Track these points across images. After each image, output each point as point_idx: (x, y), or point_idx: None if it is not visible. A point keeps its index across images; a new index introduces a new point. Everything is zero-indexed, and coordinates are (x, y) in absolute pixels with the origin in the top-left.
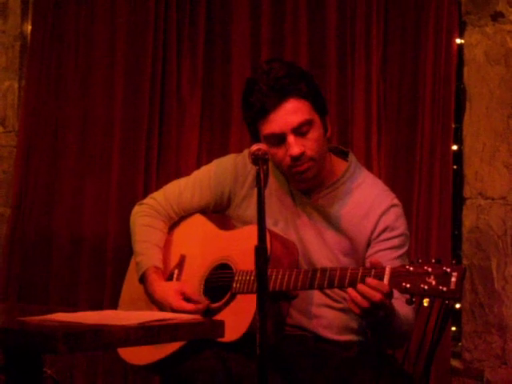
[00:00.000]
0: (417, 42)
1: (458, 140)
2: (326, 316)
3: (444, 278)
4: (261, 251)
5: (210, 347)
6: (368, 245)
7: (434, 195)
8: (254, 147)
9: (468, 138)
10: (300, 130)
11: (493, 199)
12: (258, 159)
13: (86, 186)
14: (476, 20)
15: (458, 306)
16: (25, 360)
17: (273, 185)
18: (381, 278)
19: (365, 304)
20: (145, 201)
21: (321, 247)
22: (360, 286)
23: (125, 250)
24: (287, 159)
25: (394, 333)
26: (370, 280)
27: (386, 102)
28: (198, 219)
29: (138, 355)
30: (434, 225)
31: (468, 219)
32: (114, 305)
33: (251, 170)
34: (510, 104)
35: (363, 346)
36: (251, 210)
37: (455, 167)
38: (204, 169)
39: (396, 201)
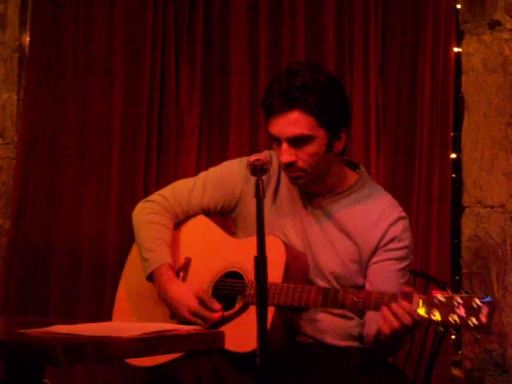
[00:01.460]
0: (415, 51)
1: (457, 148)
2: (326, 322)
3: (473, 312)
4: (260, 262)
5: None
6: (373, 253)
7: (433, 203)
8: (253, 158)
9: (466, 146)
10: (295, 142)
11: (492, 207)
12: (256, 170)
13: (85, 196)
14: (473, 29)
15: None
16: (25, 372)
17: (285, 186)
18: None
19: (396, 325)
20: (152, 198)
21: (328, 251)
22: (394, 306)
23: (125, 260)
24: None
25: (393, 345)
26: (403, 303)
27: (385, 111)
28: (202, 221)
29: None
30: (434, 233)
31: (467, 227)
32: None
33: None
34: (508, 112)
35: (364, 353)
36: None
37: (454, 175)
38: (214, 169)
39: (404, 214)
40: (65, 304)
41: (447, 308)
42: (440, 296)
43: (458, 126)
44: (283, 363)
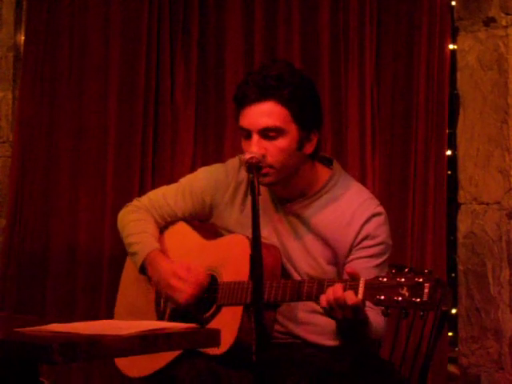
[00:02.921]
0: (410, 48)
1: (452, 145)
2: (315, 322)
3: (417, 290)
4: (256, 260)
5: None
6: (349, 252)
7: (428, 200)
8: (248, 155)
9: (462, 143)
10: (267, 134)
11: (487, 204)
12: (251, 167)
13: (81, 195)
14: (469, 25)
15: (454, 311)
16: (21, 371)
17: None
18: (355, 291)
19: (334, 309)
20: (130, 203)
21: (304, 255)
22: (329, 292)
23: (121, 259)
24: None
25: (363, 339)
26: (338, 286)
27: (380, 109)
28: (182, 228)
29: (135, 367)
30: (429, 230)
31: (463, 224)
32: (110, 314)
33: (232, 179)
34: (503, 109)
35: (356, 352)
36: (233, 218)
37: (449, 172)
38: (188, 177)
39: (379, 209)
40: (61, 302)
41: (391, 289)
42: (384, 278)
43: (453, 123)
44: (271, 365)
